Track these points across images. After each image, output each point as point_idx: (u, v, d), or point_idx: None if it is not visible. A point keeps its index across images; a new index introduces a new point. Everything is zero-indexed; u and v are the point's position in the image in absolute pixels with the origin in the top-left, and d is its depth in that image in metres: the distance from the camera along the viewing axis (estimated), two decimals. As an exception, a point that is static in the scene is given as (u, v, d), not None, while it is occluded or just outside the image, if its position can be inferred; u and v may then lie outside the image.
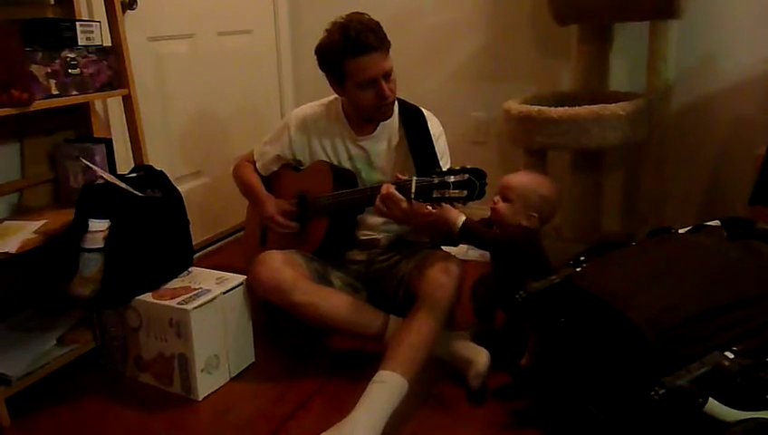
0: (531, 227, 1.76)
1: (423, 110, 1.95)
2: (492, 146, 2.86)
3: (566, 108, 2.15)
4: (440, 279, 1.69)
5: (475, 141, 2.86)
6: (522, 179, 1.80)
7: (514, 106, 2.28)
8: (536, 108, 2.20)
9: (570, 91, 2.49)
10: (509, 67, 2.74)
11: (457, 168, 1.56)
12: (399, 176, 1.66)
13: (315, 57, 1.82)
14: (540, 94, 2.47)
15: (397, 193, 1.61)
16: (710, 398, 1.21)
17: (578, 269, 1.57)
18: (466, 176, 1.53)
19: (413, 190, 1.59)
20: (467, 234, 1.69)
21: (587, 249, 1.67)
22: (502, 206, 1.76)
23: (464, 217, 1.69)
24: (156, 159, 2.13)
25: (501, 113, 2.38)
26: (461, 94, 2.84)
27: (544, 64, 2.67)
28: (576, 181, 2.44)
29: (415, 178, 1.60)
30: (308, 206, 1.92)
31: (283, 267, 1.75)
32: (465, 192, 1.53)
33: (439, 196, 1.56)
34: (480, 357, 1.68)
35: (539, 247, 1.77)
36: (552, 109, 2.17)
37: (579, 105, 2.16)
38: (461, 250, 2.23)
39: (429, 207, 1.61)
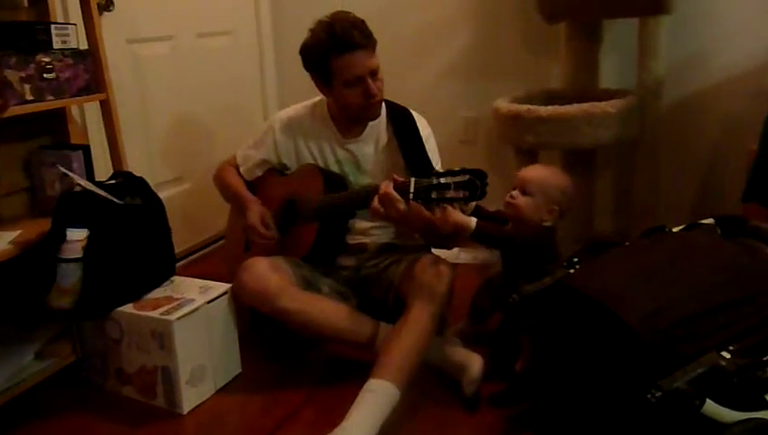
0: (550, 224, 1.76)
1: (411, 111, 1.96)
2: (481, 145, 2.86)
3: (556, 106, 2.16)
4: (431, 283, 1.69)
5: (463, 141, 2.87)
6: (542, 172, 1.80)
7: (504, 105, 2.29)
8: (526, 107, 2.20)
9: (559, 90, 2.50)
10: (498, 65, 2.75)
11: (457, 168, 1.56)
12: (397, 177, 1.67)
13: (300, 57, 1.83)
14: (530, 93, 2.48)
15: (395, 193, 1.62)
16: (708, 399, 1.22)
17: (571, 270, 1.57)
18: (467, 177, 1.53)
19: (411, 191, 1.59)
20: (481, 236, 1.70)
21: (580, 250, 1.68)
22: (522, 200, 1.75)
23: (475, 220, 1.69)
24: (135, 166, 2.12)
25: (490, 112, 2.39)
26: (449, 93, 2.85)
27: (534, 62, 2.69)
28: (568, 181, 2.46)
29: (414, 178, 1.61)
30: (297, 210, 1.92)
31: (269, 274, 1.75)
32: (467, 193, 1.53)
33: (439, 197, 1.56)
34: (474, 362, 1.69)
35: (554, 244, 1.79)
36: (542, 108, 2.17)
37: (569, 103, 2.17)
38: (453, 253, 2.23)
39: (425, 209, 1.61)
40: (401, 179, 1.65)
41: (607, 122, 2.15)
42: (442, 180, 1.55)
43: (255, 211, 1.93)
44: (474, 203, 1.75)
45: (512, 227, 1.77)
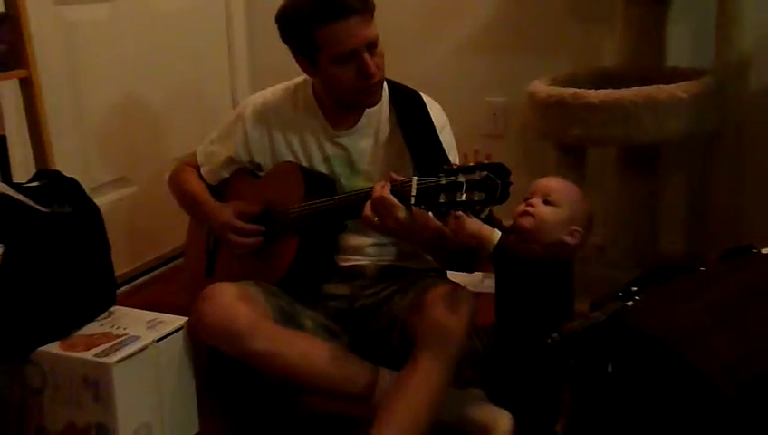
0: (572, 247, 1.77)
1: (422, 94, 1.96)
2: (512, 141, 2.86)
3: (610, 90, 2.18)
4: (445, 321, 1.69)
5: (490, 135, 2.87)
6: (567, 183, 1.82)
7: (542, 88, 2.30)
8: (571, 90, 2.21)
9: (615, 68, 2.51)
10: (535, 37, 2.76)
11: (471, 163, 1.56)
12: (395, 176, 1.66)
13: (277, 26, 1.83)
14: (576, 72, 2.50)
15: (392, 197, 1.62)
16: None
17: (629, 303, 1.58)
18: (484, 173, 1.53)
19: (413, 193, 1.60)
20: (504, 254, 1.69)
21: (640, 277, 1.68)
22: (545, 210, 1.76)
23: (499, 233, 1.69)
24: (66, 163, 2.13)
25: (524, 98, 2.40)
26: (471, 73, 2.86)
27: (581, 33, 2.70)
28: (625, 187, 2.46)
29: (416, 177, 1.61)
30: (272, 221, 1.93)
31: (238, 304, 1.75)
32: (484, 195, 1.53)
33: (448, 200, 1.56)
34: (501, 422, 1.68)
35: (573, 276, 1.79)
36: (592, 91, 2.19)
37: (627, 86, 2.18)
38: (474, 278, 2.23)
39: (433, 216, 1.61)
40: (400, 179, 1.65)
41: (676, 111, 2.16)
42: (452, 179, 1.55)
43: (224, 211, 1.94)
44: (488, 209, 1.74)
45: (540, 248, 1.76)
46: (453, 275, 1.97)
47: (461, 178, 1.54)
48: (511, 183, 1.54)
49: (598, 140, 2.24)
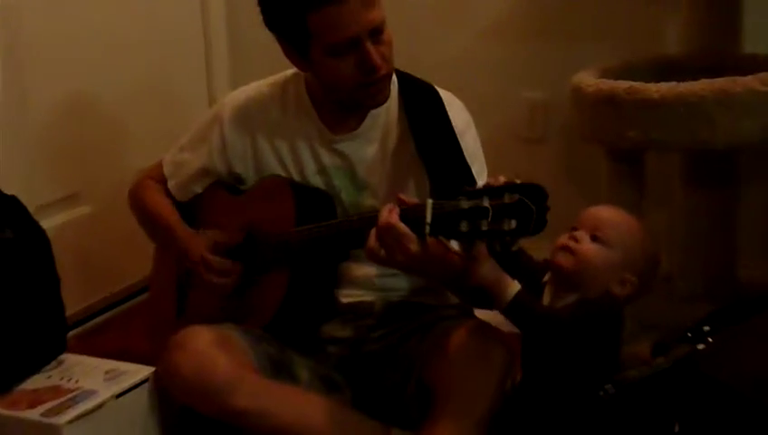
0: (620, 298, 1.75)
1: (439, 90, 1.96)
2: (552, 146, 2.87)
3: (674, 83, 2.18)
4: (474, 370, 1.69)
5: (525, 138, 2.88)
6: (625, 217, 1.78)
7: (590, 81, 2.30)
8: (626, 84, 2.22)
9: (679, 56, 2.52)
10: (580, 18, 2.77)
11: (500, 183, 1.56)
12: (405, 198, 1.67)
13: (259, 10, 1.83)
14: (631, 62, 2.50)
15: (402, 225, 1.62)
16: None
17: (700, 346, 1.59)
18: (516, 196, 1.52)
19: (428, 220, 1.59)
20: (519, 312, 1.67)
21: (714, 312, 1.69)
22: (590, 249, 1.73)
23: (518, 286, 1.67)
24: (4, 178, 2.14)
25: (568, 93, 2.41)
26: (503, 62, 2.86)
27: (637, 13, 2.70)
28: (693, 203, 2.46)
29: (431, 200, 1.60)
30: (257, 250, 1.94)
31: (216, 352, 1.75)
32: (515, 223, 1.52)
33: (471, 230, 1.55)
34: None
35: (620, 338, 1.76)
36: (652, 85, 2.19)
37: (694, 78, 2.18)
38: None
39: (453, 246, 1.62)
40: (412, 202, 1.65)
41: (755, 108, 2.15)
42: (476, 203, 1.55)
43: (197, 240, 1.94)
44: (520, 241, 1.73)
45: (566, 306, 1.75)
46: (481, 313, 1.95)
47: (486, 203, 1.53)
48: (548, 208, 1.52)
49: (659, 144, 2.24)
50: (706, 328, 1.65)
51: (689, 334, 1.64)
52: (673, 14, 2.62)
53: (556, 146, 2.87)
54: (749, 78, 2.15)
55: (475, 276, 1.65)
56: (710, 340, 1.61)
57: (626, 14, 2.72)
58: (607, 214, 1.76)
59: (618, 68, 2.44)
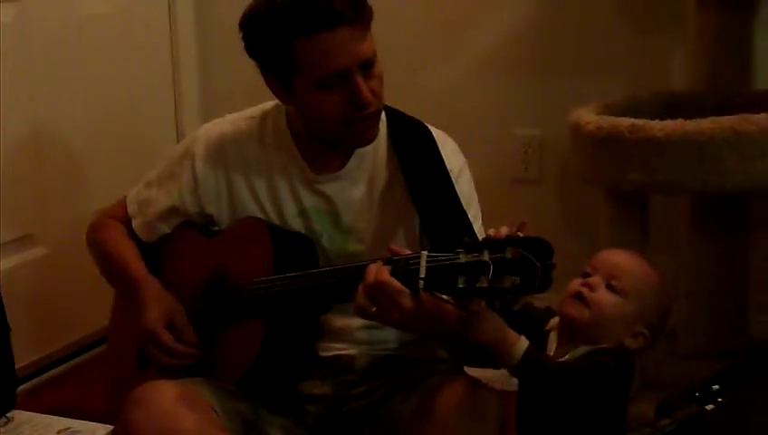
0: (631, 351, 1.74)
1: (431, 127, 1.96)
2: (549, 187, 2.88)
3: (680, 121, 2.18)
4: (464, 431, 1.68)
5: (519, 179, 2.88)
6: (642, 265, 1.78)
7: (590, 118, 2.30)
8: (628, 121, 2.22)
9: (686, 92, 2.52)
10: (579, 51, 2.79)
11: (501, 236, 1.55)
12: (396, 248, 1.66)
13: (241, 34, 1.83)
14: (634, 97, 2.51)
15: (393, 281, 1.61)
16: None
17: (709, 407, 1.59)
18: (519, 251, 1.51)
19: (422, 275, 1.59)
20: (531, 369, 1.66)
21: (724, 371, 1.70)
22: (607, 299, 1.74)
23: (526, 342, 1.66)
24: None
25: (566, 130, 2.41)
26: (496, 97, 2.88)
27: (641, 46, 2.72)
28: (700, 250, 2.46)
29: (426, 252, 1.59)
30: (229, 298, 1.91)
31: (181, 410, 1.71)
32: (518, 280, 1.51)
33: (469, 286, 1.54)
34: None
35: (628, 390, 1.76)
36: (656, 122, 2.19)
37: (702, 116, 2.18)
38: (500, 374, 2.21)
39: (449, 302, 1.60)
40: (404, 253, 1.64)
41: (767, 149, 2.15)
42: (475, 257, 1.54)
43: (157, 304, 1.91)
44: (523, 300, 1.73)
45: (577, 359, 1.74)
46: (471, 369, 1.95)
47: (486, 257, 1.53)
48: (554, 265, 1.52)
49: (664, 186, 2.24)
50: (715, 387, 1.64)
51: (697, 394, 1.63)
52: (679, 46, 2.65)
53: (552, 187, 2.88)
54: (762, 116, 2.16)
55: (476, 333, 1.65)
56: (720, 400, 1.60)
57: (628, 47, 2.76)
58: (623, 260, 1.78)
59: (619, 104, 2.45)
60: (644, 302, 1.72)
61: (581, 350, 1.70)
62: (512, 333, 1.65)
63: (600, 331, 1.71)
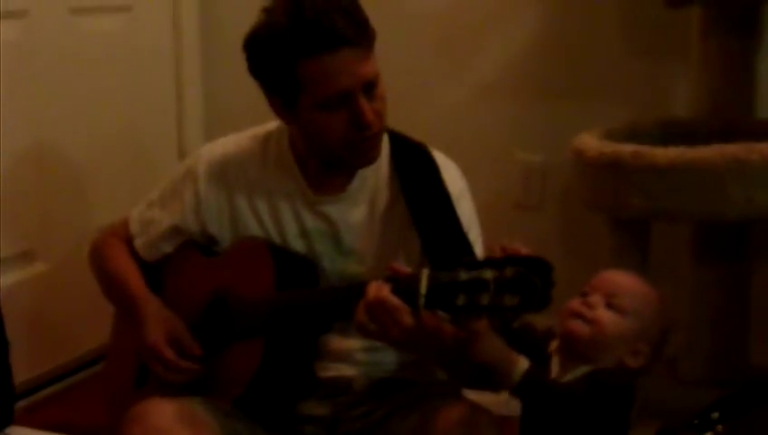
0: (633, 370, 1.74)
1: (433, 151, 1.96)
2: (550, 213, 2.88)
3: (683, 148, 2.18)
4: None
5: (520, 204, 2.89)
6: (642, 285, 1.78)
7: (592, 144, 2.31)
8: (631, 147, 2.22)
9: (688, 119, 2.52)
10: (582, 76, 2.79)
11: (499, 255, 1.56)
12: (397, 267, 1.66)
13: (245, 55, 1.84)
14: (636, 123, 2.51)
15: (393, 298, 1.61)
16: None
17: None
18: (519, 270, 1.52)
19: (423, 292, 1.59)
20: (531, 388, 1.67)
21: (724, 398, 1.70)
22: (607, 316, 1.73)
23: (527, 362, 1.66)
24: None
25: (567, 156, 2.41)
26: (497, 122, 2.88)
27: (644, 72, 2.73)
28: (702, 278, 2.46)
29: (427, 271, 1.60)
30: (230, 317, 1.91)
31: (178, 429, 1.72)
32: (517, 298, 1.52)
33: (469, 303, 1.55)
34: None
35: (630, 411, 1.75)
36: (659, 149, 2.19)
37: (705, 143, 2.19)
38: (500, 397, 2.22)
39: (449, 320, 1.60)
40: (405, 272, 1.64)
41: (768, 178, 2.16)
42: (475, 275, 1.55)
43: (158, 320, 1.92)
44: (522, 317, 1.73)
45: (578, 379, 1.74)
46: (471, 393, 1.94)
47: (487, 275, 1.53)
48: (554, 284, 1.52)
49: (666, 214, 2.25)
50: (715, 415, 1.64)
51: (696, 421, 1.62)
52: (682, 73, 2.65)
53: (553, 213, 2.88)
54: (765, 145, 2.16)
55: (476, 353, 1.64)
56: (718, 428, 1.60)
57: (631, 73, 2.75)
58: (622, 279, 1.77)
59: (622, 130, 2.45)
60: (643, 320, 1.72)
61: (582, 370, 1.69)
62: (512, 354, 1.65)
63: (601, 349, 1.71)
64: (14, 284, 2.56)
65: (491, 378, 1.67)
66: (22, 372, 2.10)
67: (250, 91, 1.89)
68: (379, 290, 1.62)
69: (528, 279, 1.51)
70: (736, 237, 2.43)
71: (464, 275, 1.55)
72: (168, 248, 2.03)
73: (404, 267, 1.67)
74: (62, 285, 2.69)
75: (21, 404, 2.41)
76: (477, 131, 2.86)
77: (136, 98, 2.96)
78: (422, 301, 1.59)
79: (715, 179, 2.16)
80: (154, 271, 2.05)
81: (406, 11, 2.84)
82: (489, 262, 1.55)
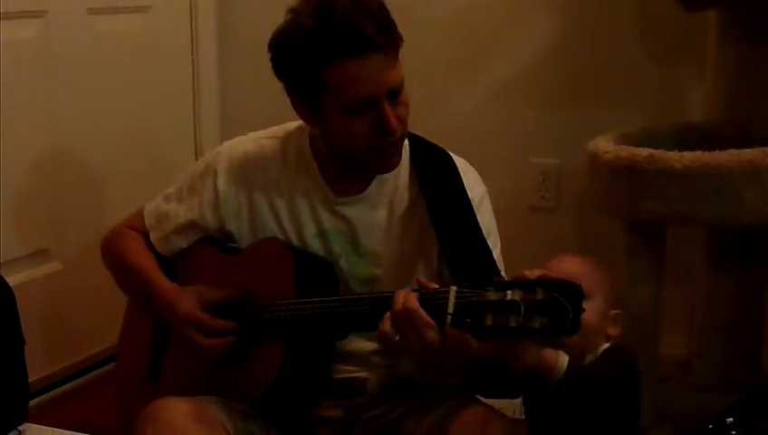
0: (615, 337, 1.78)
1: (453, 155, 1.97)
2: (564, 216, 2.89)
3: (698, 153, 2.19)
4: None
5: (535, 207, 2.89)
6: (586, 263, 1.82)
7: (607, 148, 2.31)
8: (647, 151, 2.22)
9: (705, 124, 2.53)
10: (598, 81, 2.79)
11: (530, 277, 1.55)
12: (424, 281, 1.66)
13: (269, 55, 1.83)
14: (652, 128, 2.51)
15: (422, 311, 1.61)
16: None
17: (723, 440, 1.58)
18: (549, 293, 1.52)
19: (450, 311, 1.60)
20: (576, 377, 1.68)
21: (739, 403, 1.70)
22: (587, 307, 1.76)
23: (566, 357, 1.68)
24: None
25: (583, 160, 2.42)
26: (514, 125, 2.88)
27: (660, 76, 2.73)
28: (717, 282, 2.46)
29: (455, 287, 1.60)
30: (250, 318, 1.91)
31: (193, 428, 1.72)
32: (547, 321, 1.52)
33: (498, 324, 1.55)
34: None
35: (638, 396, 1.79)
36: (675, 153, 2.20)
37: (721, 147, 2.19)
38: (512, 402, 2.22)
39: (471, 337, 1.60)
40: (432, 287, 1.65)
41: (787, 182, 2.16)
42: (504, 295, 1.55)
43: (184, 294, 1.90)
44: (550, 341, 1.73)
45: (591, 364, 1.76)
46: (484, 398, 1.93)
47: (517, 296, 1.54)
48: (584, 310, 1.52)
49: (681, 218, 2.23)
50: (730, 420, 1.64)
51: (710, 426, 1.63)
52: (698, 78, 2.65)
53: (568, 217, 2.88)
54: (781, 149, 2.16)
55: (519, 365, 1.66)
56: (734, 433, 1.60)
57: (647, 77, 2.76)
58: (573, 266, 1.80)
59: (638, 134, 2.44)
60: (605, 292, 1.78)
61: (588, 358, 1.74)
62: (548, 351, 1.67)
63: (593, 339, 1.76)
64: (28, 282, 2.56)
65: (514, 384, 1.69)
66: (36, 370, 2.11)
67: (266, 92, 1.90)
68: (408, 300, 1.62)
69: (559, 303, 1.51)
70: (752, 242, 2.43)
71: (492, 295, 1.56)
72: (182, 243, 2.03)
73: (431, 283, 1.67)
74: (76, 284, 2.70)
75: (34, 402, 2.41)
76: (494, 135, 2.86)
77: (153, 97, 2.97)
78: (449, 319, 1.59)
79: (730, 184, 2.16)
80: (169, 266, 2.04)
81: (423, 17, 2.84)
82: (519, 283, 1.55)
